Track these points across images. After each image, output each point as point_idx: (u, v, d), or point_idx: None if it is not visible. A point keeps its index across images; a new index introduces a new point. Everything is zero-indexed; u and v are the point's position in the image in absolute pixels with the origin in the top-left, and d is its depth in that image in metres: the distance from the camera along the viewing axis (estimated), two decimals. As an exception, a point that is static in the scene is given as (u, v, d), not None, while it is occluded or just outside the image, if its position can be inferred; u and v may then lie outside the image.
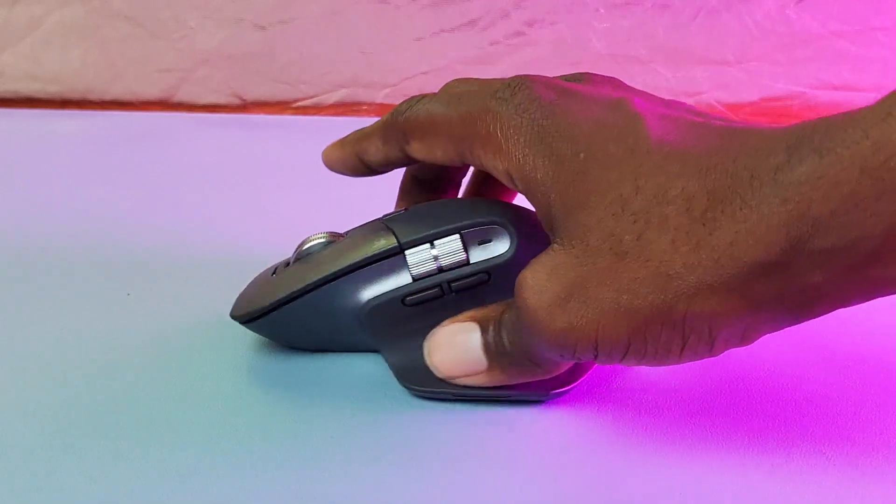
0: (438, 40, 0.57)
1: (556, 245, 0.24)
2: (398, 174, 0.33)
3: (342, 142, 0.31)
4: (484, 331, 0.26)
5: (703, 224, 0.21)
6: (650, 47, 0.57)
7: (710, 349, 0.23)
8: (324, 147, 0.33)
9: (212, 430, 0.27)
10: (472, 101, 0.26)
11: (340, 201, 0.45)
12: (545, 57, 0.57)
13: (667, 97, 0.27)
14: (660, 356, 0.23)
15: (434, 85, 0.29)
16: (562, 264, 0.23)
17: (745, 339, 0.23)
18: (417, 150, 0.27)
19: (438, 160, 0.27)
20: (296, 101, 0.59)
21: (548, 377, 0.26)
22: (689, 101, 0.56)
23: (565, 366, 0.26)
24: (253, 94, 0.59)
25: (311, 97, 0.59)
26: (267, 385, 0.29)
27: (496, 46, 0.57)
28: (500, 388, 0.27)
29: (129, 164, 0.50)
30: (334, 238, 0.29)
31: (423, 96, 0.27)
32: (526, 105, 0.25)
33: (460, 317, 0.27)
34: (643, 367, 0.26)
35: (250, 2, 0.57)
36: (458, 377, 0.26)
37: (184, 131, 0.55)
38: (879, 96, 0.20)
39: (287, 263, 0.30)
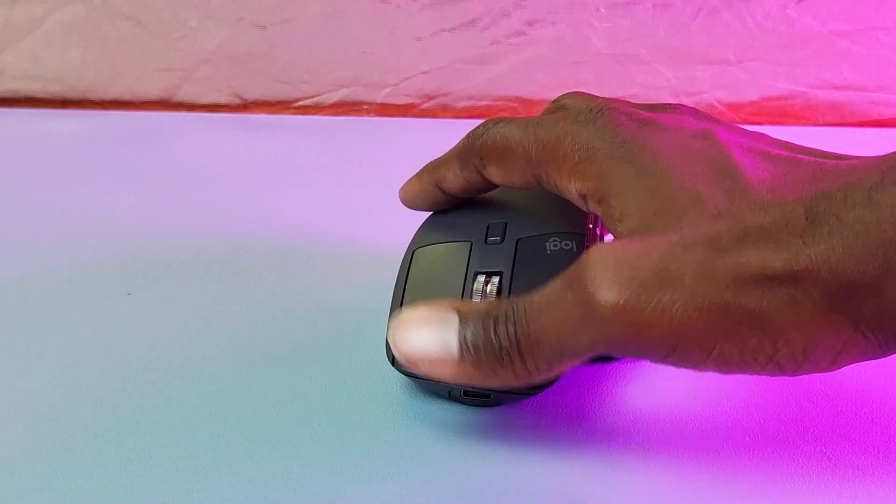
0: (439, 40, 0.57)
1: (637, 236, 0.23)
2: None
3: (418, 174, 0.31)
4: (464, 323, 0.23)
5: (801, 238, 0.21)
6: (651, 47, 0.57)
7: (797, 365, 0.22)
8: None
9: (211, 430, 0.27)
10: (551, 125, 0.26)
11: (341, 201, 0.45)
12: (546, 56, 0.57)
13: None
14: (742, 364, 0.22)
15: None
16: (648, 248, 0.22)
17: (835, 362, 0.22)
18: (494, 173, 0.28)
19: (515, 184, 0.28)
20: (296, 100, 0.59)
21: (520, 385, 0.24)
22: (690, 101, 0.56)
23: (556, 375, 0.24)
24: (253, 93, 0.59)
25: (312, 97, 0.59)
26: (267, 384, 0.29)
27: (497, 46, 0.57)
28: (492, 390, 0.27)
29: (129, 163, 0.50)
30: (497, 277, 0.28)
31: (500, 120, 0.28)
32: (607, 128, 0.25)
33: (438, 302, 0.24)
34: (670, 366, 0.24)
35: (251, 1, 0.57)
36: (421, 362, 0.24)
37: (184, 131, 0.55)
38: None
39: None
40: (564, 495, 0.25)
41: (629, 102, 0.28)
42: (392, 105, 0.59)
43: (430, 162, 0.30)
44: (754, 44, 0.56)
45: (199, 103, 0.59)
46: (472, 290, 0.28)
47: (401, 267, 0.30)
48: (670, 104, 0.27)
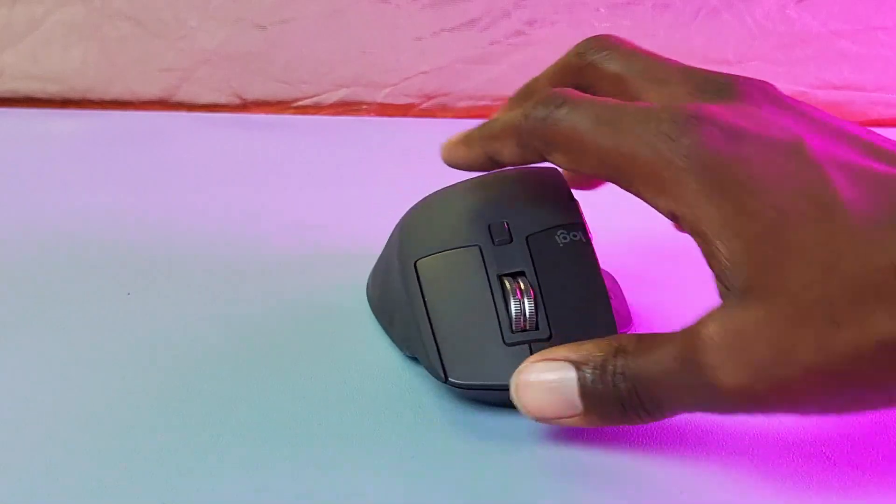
0: (438, 40, 0.57)
1: (749, 303, 0.22)
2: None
3: (468, 139, 0.29)
4: (581, 372, 0.24)
5: None
6: (651, 47, 0.56)
7: None
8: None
9: (211, 430, 0.27)
10: (629, 133, 0.24)
11: (340, 201, 0.45)
12: (545, 57, 0.57)
13: None
14: (859, 411, 0.23)
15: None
16: (764, 325, 0.22)
17: None
18: (561, 161, 0.26)
19: (583, 172, 0.26)
20: (296, 100, 0.59)
21: (647, 423, 0.25)
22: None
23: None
24: (253, 93, 0.59)
25: (312, 97, 0.59)
26: (267, 384, 0.29)
27: (496, 46, 0.57)
28: None
29: (128, 163, 0.50)
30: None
31: (563, 101, 0.26)
32: (696, 150, 0.23)
33: (552, 353, 0.25)
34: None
35: (250, 1, 0.57)
36: (549, 419, 0.25)
37: (184, 131, 0.55)
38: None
39: (510, 325, 0.28)
40: (567, 495, 0.25)
41: (695, 73, 0.26)
42: (392, 105, 0.59)
43: (480, 129, 0.29)
44: (754, 44, 0.56)
45: (198, 103, 0.59)
46: (503, 293, 0.28)
47: (404, 282, 0.29)
48: (737, 83, 0.26)
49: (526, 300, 0.28)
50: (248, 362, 0.31)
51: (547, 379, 0.25)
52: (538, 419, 0.25)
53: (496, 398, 0.28)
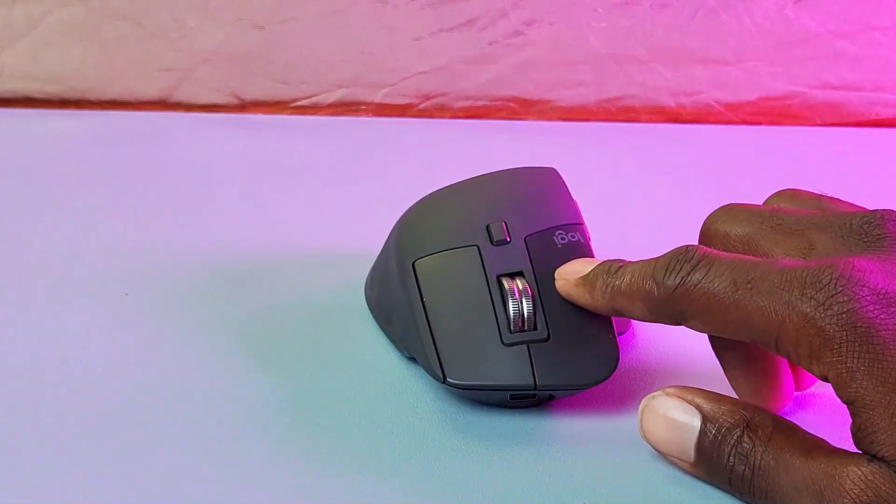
0: (437, 40, 0.57)
1: (892, 478, 0.21)
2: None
3: (590, 284, 0.27)
4: (704, 434, 0.24)
5: None
6: (649, 47, 0.57)
7: None
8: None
9: (210, 430, 0.27)
10: (773, 295, 0.23)
11: (339, 201, 0.45)
12: (544, 57, 0.57)
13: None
14: None
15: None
16: None
17: None
18: (698, 326, 0.25)
19: (724, 336, 0.25)
20: (295, 100, 0.59)
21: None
22: (688, 101, 0.56)
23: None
24: (252, 93, 0.59)
25: (310, 97, 0.59)
26: (266, 384, 0.29)
27: (495, 46, 0.57)
28: (545, 388, 0.27)
29: (127, 163, 0.50)
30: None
31: (698, 261, 0.24)
32: (849, 318, 0.22)
33: (689, 393, 0.25)
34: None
35: (249, 1, 0.57)
36: (662, 453, 0.25)
37: (183, 131, 0.55)
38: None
39: (509, 326, 0.28)
40: (567, 494, 0.25)
41: (840, 225, 0.25)
42: (390, 105, 0.59)
43: (605, 273, 0.27)
44: (752, 44, 0.56)
45: (197, 103, 0.59)
46: (501, 293, 0.28)
47: (402, 282, 0.29)
48: (881, 221, 0.24)
49: (524, 300, 0.28)
50: (248, 362, 0.31)
51: (673, 418, 0.25)
52: (653, 447, 0.26)
53: (494, 398, 0.28)
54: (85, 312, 0.34)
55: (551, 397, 0.28)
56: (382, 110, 0.59)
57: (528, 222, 0.30)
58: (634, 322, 0.33)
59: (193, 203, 0.45)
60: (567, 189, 0.31)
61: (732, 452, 0.24)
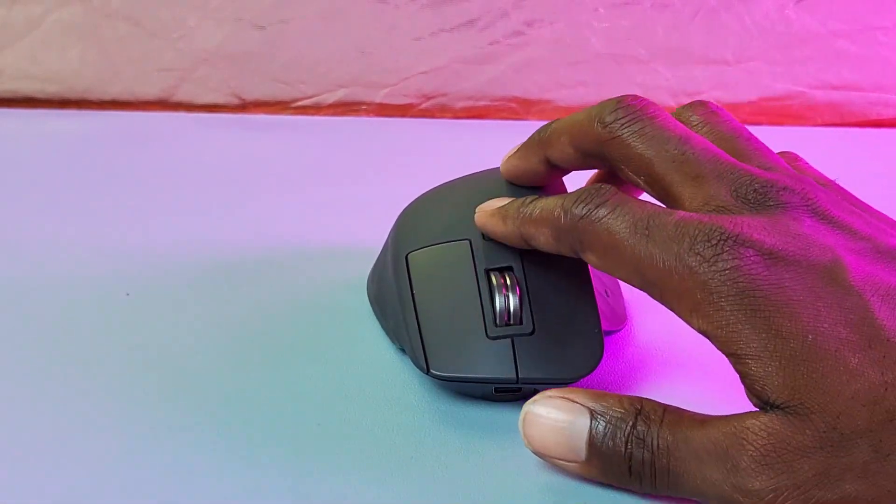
0: (437, 40, 0.57)
1: (791, 420, 0.22)
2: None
3: (504, 214, 0.28)
4: (595, 429, 0.24)
5: None
6: (649, 47, 0.57)
7: None
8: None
9: (210, 430, 0.27)
10: (664, 245, 0.23)
11: (340, 201, 0.45)
12: (544, 57, 0.57)
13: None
14: None
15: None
16: (808, 447, 0.21)
17: None
18: (594, 262, 0.26)
19: (616, 277, 0.26)
20: (295, 100, 0.59)
21: (644, 494, 0.24)
22: (689, 101, 0.56)
23: None
24: (252, 93, 0.59)
25: (311, 97, 0.59)
26: (266, 384, 0.29)
27: (495, 46, 0.57)
28: (528, 381, 0.27)
29: (127, 163, 0.50)
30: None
31: (603, 201, 0.25)
32: (731, 273, 0.22)
33: (572, 394, 0.25)
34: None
35: (249, 1, 0.57)
36: (548, 457, 0.25)
37: (183, 131, 0.55)
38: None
39: (494, 319, 0.28)
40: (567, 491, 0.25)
41: (731, 169, 0.25)
42: (391, 105, 0.59)
43: (518, 206, 0.28)
44: (753, 44, 0.56)
45: (197, 103, 0.59)
46: (489, 287, 0.28)
47: (395, 274, 0.30)
48: (778, 186, 0.25)
49: (511, 295, 0.28)
50: (248, 362, 0.31)
51: (558, 418, 0.24)
52: (537, 454, 0.25)
53: (479, 391, 0.28)
54: (86, 312, 0.34)
55: (535, 391, 0.28)
56: (383, 110, 0.59)
57: None
58: (630, 319, 0.33)
59: (194, 203, 0.45)
60: (565, 186, 0.31)
61: (629, 439, 0.23)
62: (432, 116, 0.58)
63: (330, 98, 0.59)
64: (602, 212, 0.25)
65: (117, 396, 0.29)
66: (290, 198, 0.45)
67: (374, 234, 0.34)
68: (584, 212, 0.25)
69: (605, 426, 0.24)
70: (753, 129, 0.27)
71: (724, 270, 0.23)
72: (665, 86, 0.57)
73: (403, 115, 0.59)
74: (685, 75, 0.57)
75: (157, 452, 0.26)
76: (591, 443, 0.24)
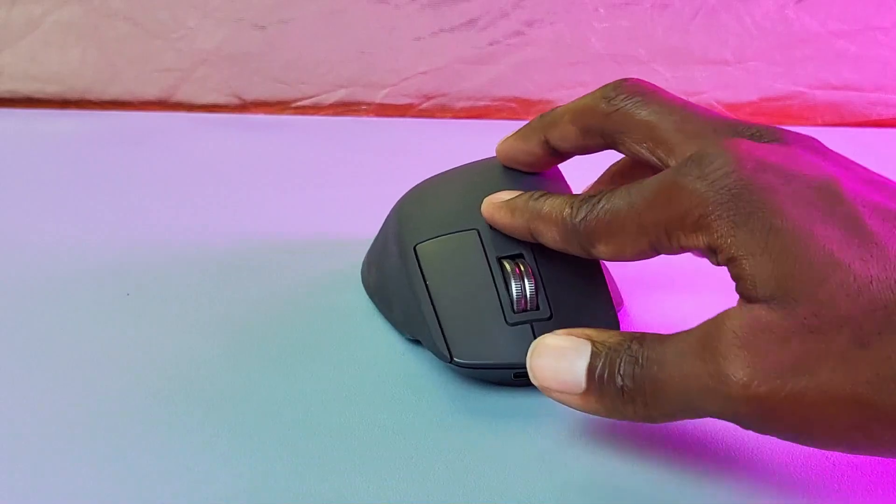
0: (437, 40, 0.57)
1: (774, 307, 0.22)
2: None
3: (512, 208, 0.28)
4: (595, 355, 0.24)
5: None
6: (649, 47, 0.57)
7: None
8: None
9: (211, 430, 0.27)
10: (657, 181, 0.24)
11: (340, 201, 0.45)
12: (544, 57, 0.57)
13: None
14: (874, 451, 0.22)
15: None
16: (787, 332, 0.21)
17: None
18: (604, 252, 0.26)
19: (627, 257, 0.26)
20: (295, 100, 0.59)
21: (642, 422, 0.24)
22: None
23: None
24: (252, 93, 0.59)
25: (311, 97, 0.59)
26: (267, 383, 0.29)
27: (495, 46, 0.57)
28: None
29: (128, 163, 0.50)
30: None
31: (603, 194, 0.26)
32: (723, 180, 0.23)
33: (576, 331, 0.25)
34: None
35: (249, 1, 0.57)
36: (552, 390, 0.25)
37: (183, 131, 0.55)
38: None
39: (512, 306, 0.28)
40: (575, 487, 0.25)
41: (733, 125, 0.26)
42: (391, 105, 0.59)
43: (526, 200, 0.28)
44: (753, 44, 0.56)
45: (197, 103, 0.59)
46: (503, 275, 0.29)
47: (405, 266, 0.30)
48: (778, 131, 0.26)
49: (526, 281, 0.28)
50: (249, 362, 0.31)
51: (562, 346, 0.25)
52: (542, 388, 0.25)
53: (499, 377, 0.28)
54: (86, 313, 0.34)
55: None
56: (383, 110, 0.59)
57: None
58: (626, 299, 0.33)
59: (195, 203, 0.45)
60: (563, 177, 0.32)
61: (623, 359, 0.24)
62: (432, 116, 0.59)
63: (330, 98, 0.59)
64: (602, 203, 0.26)
65: (117, 396, 0.29)
66: (290, 198, 0.45)
67: (374, 235, 0.34)
68: (587, 210, 0.26)
69: (605, 352, 0.24)
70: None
71: (717, 179, 0.23)
72: (665, 86, 0.56)
73: (403, 115, 0.59)
74: (685, 75, 0.57)
75: (157, 452, 0.26)
76: (590, 370, 0.24)
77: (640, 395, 0.23)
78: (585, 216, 0.26)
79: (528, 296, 0.28)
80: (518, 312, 0.28)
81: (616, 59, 0.57)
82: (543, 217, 0.27)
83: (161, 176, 0.48)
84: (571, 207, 0.26)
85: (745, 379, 0.21)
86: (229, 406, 0.28)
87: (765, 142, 0.25)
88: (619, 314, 0.32)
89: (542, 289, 0.28)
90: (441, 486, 0.25)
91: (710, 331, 0.22)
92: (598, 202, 0.26)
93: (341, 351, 0.31)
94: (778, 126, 0.26)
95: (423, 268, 0.29)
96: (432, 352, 0.29)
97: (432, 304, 0.29)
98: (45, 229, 0.41)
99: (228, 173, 0.49)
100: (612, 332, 0.25)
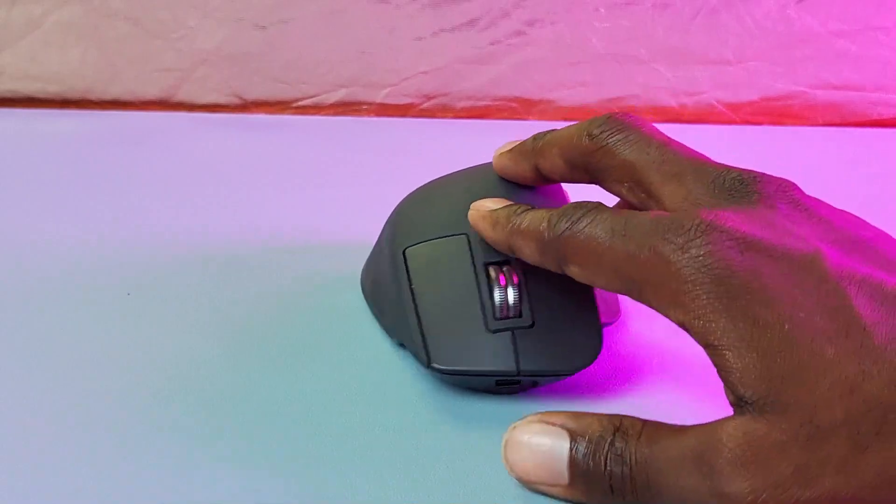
0: (438, 40, 0.57)
1: (767, 417, 0.21)
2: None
3: (495, 221, 0.28)
4: (575, 443, 0.24)
5: None
6: (650, 47, 0.57)
7: None
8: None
9: (211, 430, 0.27)
10: (640, 241, 0.23)
11: (340, 201, 0.45)
12: (545, 57, 0.57)
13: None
14: None
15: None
16: (785, 442, 0.21)
17: None
18: (577, 273, 0.25)
19: (598, 286, 0.26)
20: (296, 100, 0.59)
21: None
22: (690, 101, 0.56)
23: None
24: (253, 93, 0.59)
25: (311, 97, 0.59)
26: (267, 383, 0.29)
27: (496, 46, 0.57)
28: (528, 374, 0.27)
29: (128, 163, 0.50)
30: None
31: (585, 211, 0.25)
32: (705, 260, 0.22)
33: (551, 417, 0.25)
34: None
35: (250, 1, 0.57)
36: (532, 483, 0.25)
37: (184, 131, 0.55)
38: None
39: (494, 313, 0.28)
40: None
41: (712, 167, 0.25)
42: (391, 105, 0.59)
43: (508, 214, 0.28)
44: (754, 44, 0.56)
45: (198, 103, 0.59)
46: (488, 281, 0.28)
47: (393, 269, 0.30)
48: (757, 179, 0.25)
49: (510, 288, 0.28)
50: (249, 362, 0.31)
51: (539, 443, 0.24)
52: (521, 481, 0.25)
53: (480, 384, 0.28)
54: (87, 313, 0.34)
55: (535, 383, 0.28)
56: (384, 110, 0.59)
57: None
58: (623, 312, 0.33)
59: (195, 203, 0.45)
60: (562, 189, 0.31)
61: (608, 457, 0.23)
62: (433, 116, 0.58)
63: (331, 98, 0.59)
64: (583, 223, 0.25)
65: (117, 396, 0.29)
66: (290, 197, 0.45)
67: (374, 234, 0.34)
68: (565, 226, 0.25)
69: (585, 446, 0.23)
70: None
71: (698, 257, 0.22)
72: (666, 86, 0.57)
73: (404, 115, 0.59)
74: (685, 75, 0.57)
75: (156, 452, 0.26)
76: (572, 464, 0.24)
77: (631, 494, 0.23)
78: (562, 232, 0.25)
79: (511, 303, 0.28)
80: (499, 319, 0.28)
81: (617, 58, 0.57)
82: (522, 232, 0.27)
83: (161, 176, 0.48)
84: (549, 221, 0.26)
85: (750, 497, 0.21)
86: (229, 406, 0.28)
87: (744, 200, 0.24)
88: (615, 325, 0.32)
89: (526, 296, 0.28)
90: (441, 486, 0.25)
91: (706, 443, 0.22)
92: (580, 220, 0.25)
93: (341, 351, 0.31)
94: (754, 170, 0.25)
95: (409, 271, 0.29)
96: (413, 356, 0.28)
97: (415, 307, 0.28)
98: (45, 229, 0.41)
99: (228, 173, 0.49)
100: (589, 419, 0.24)
